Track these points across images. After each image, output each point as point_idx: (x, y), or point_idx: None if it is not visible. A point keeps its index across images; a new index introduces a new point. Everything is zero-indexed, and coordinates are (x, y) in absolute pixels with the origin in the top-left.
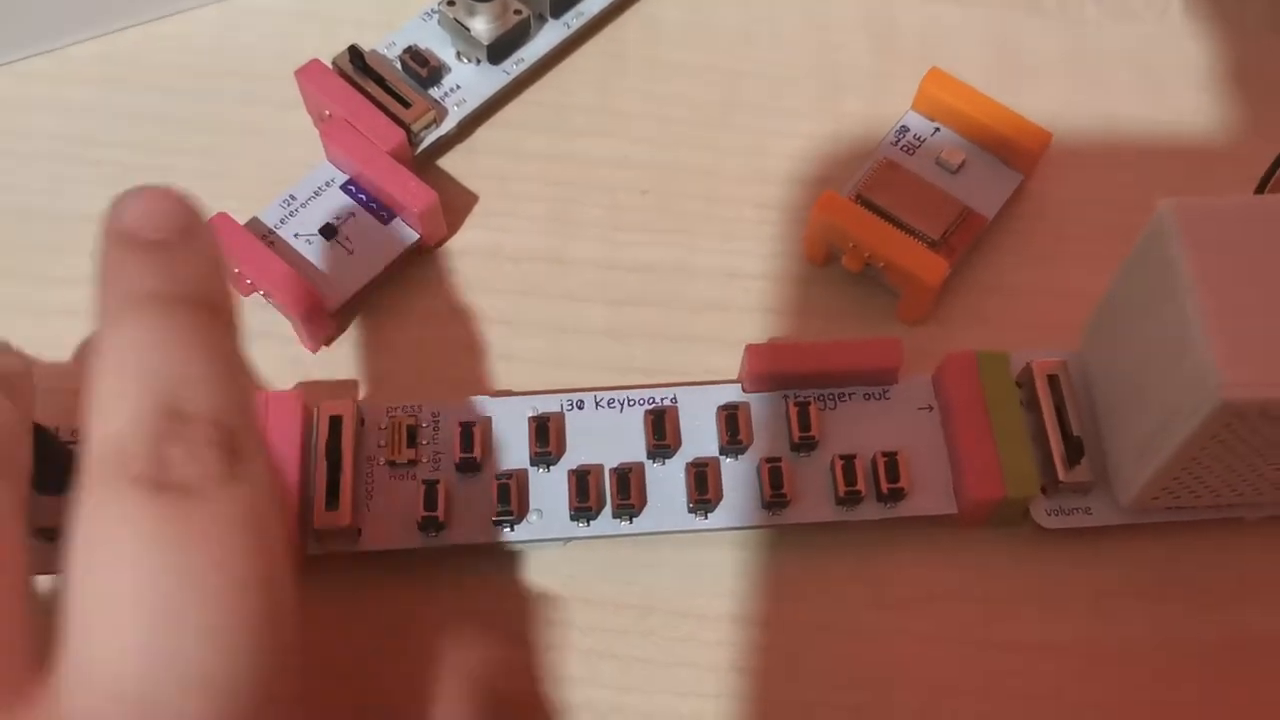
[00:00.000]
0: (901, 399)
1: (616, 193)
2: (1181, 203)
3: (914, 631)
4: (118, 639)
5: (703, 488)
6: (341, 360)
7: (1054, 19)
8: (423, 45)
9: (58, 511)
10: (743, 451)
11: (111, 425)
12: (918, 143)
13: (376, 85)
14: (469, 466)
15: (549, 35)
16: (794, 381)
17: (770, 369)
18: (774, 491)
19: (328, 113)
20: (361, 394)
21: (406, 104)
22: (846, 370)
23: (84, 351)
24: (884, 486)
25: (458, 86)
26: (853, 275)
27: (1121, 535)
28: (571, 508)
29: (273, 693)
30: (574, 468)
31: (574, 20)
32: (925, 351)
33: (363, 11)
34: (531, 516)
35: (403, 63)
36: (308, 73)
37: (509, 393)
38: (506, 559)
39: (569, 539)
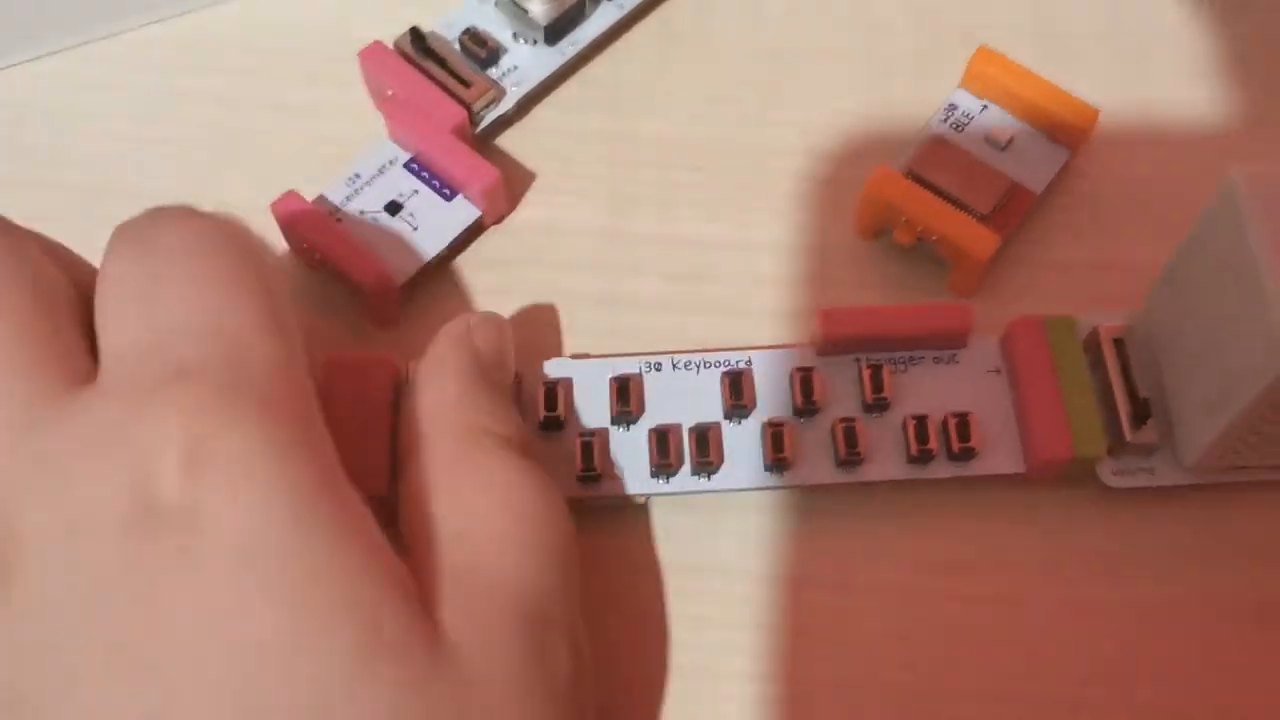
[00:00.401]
0: (970, 362)
1: (670, 169)
2: (1252, 171)
3: (977, 593)
4: (120, 322)
5: (779, 447)
6: (407, 336)
7: None
8: (481, 27)
9: None
10: (816, 413)
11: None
12: (966, 120)
13: (437, 66)
14: (552, 425)
15: (603, 16)
16: (866, 344)
17: (844, 332)
18: (849, 450)
19: (390, 92)
20: None
21: (467, 84)
22: (918, 334)
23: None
24: (955, 446)
25: (515, 67)
26: (903, 249)
27: (1185, 495)
28: (653, 464)
29: (275, 354)
30: (654, 426)
31: (627, 1)
32: (977, 322)
33: None
34: (616, 471)
35: (461, 44)
36: (370, 54)
37: (587, 355)
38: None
39: (649, 494)
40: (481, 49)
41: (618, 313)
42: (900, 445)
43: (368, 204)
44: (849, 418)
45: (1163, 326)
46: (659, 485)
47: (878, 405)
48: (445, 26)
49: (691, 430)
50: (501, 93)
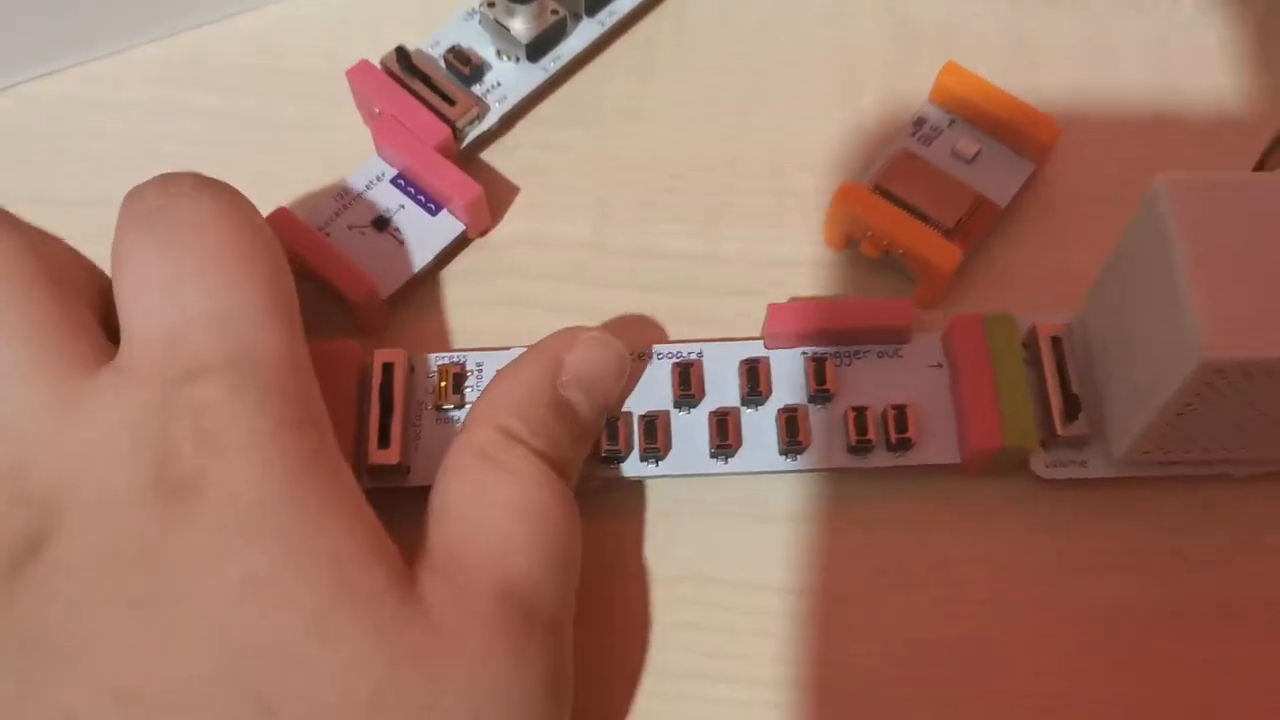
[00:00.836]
0: (914, 357)
1: (648, 183)
2: (1176, 177)
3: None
4: (145, 311)
5: (724, 434)
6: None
7: (1068, 9)
8: (464, 44)
9: None
10: (762, 402)
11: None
12: (935, 134)
13: (423, 84)
14: None
15: (584, 33)
16: (813, 338)
17: (790, 327)
18: (790, 438)
19: (377, 110)
20: None
21: (451, 101)
22: (861, 327)
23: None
24: (893, 437)
25: (498, 84)
26: (871, 261)
27: (1116, 487)
28: (604, 450)
29: (282, 342)
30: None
31: (607, 18)
32: (933, 324)
33: (406, 10)
34: None
35: (446, 62)
36: (358, 72)
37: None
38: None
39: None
40: (465, 66)
41: (597, 323)
42: (843, 435)
43: (356, 219)
44: (792, 406)
45: (1097, 326)
46: (606, 470)
47: (820, 396)
48: (431, 45)
49: (641, 418)
50: (485, 109)
